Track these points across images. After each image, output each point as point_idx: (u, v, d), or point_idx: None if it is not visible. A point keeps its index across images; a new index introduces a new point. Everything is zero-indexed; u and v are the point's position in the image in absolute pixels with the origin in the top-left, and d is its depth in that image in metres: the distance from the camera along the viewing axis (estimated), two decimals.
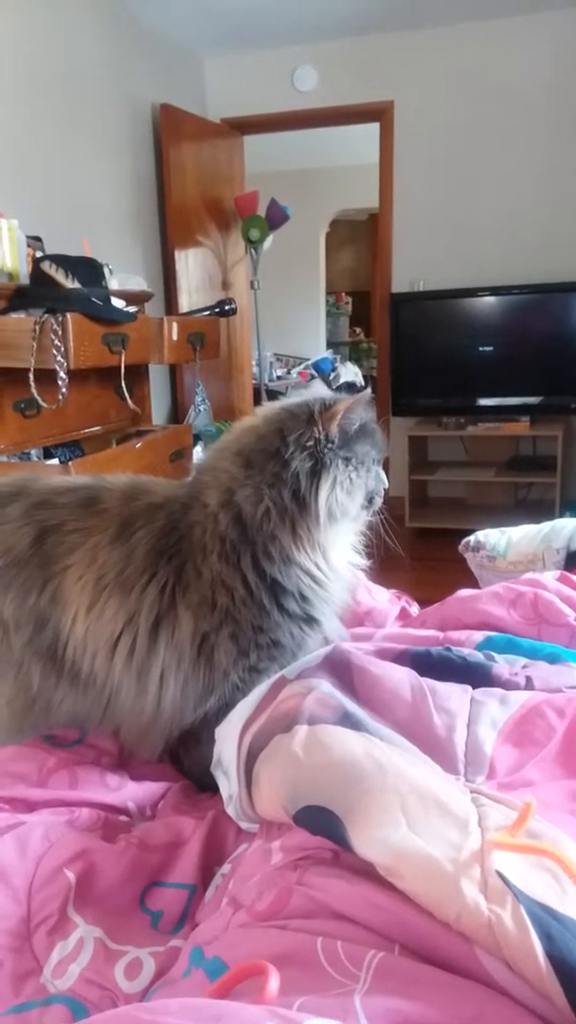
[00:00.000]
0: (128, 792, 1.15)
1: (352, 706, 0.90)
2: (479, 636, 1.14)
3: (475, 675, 1.01)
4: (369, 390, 1.18)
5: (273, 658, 1.15)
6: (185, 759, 1.24)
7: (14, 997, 0.79)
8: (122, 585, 1.13)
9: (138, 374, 3.13)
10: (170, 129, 4.28)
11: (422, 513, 4.62)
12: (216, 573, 1.11)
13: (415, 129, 4.57)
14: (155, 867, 0.96)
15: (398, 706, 0.92)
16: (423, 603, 1.58)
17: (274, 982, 0.58)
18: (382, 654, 1.03)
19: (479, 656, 1.06)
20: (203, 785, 1.16)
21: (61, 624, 1.15)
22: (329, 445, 1.08)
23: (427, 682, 0.96)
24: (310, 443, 1.08)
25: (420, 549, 4.27)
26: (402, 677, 0.96)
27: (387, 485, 1.11)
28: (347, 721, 0.86)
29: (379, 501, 1.11)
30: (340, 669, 0.98)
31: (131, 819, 1.12)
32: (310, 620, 1.14)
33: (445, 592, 1.39)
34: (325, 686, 0.92)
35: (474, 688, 0.98)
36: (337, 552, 1.14)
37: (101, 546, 1.15)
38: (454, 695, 0.95)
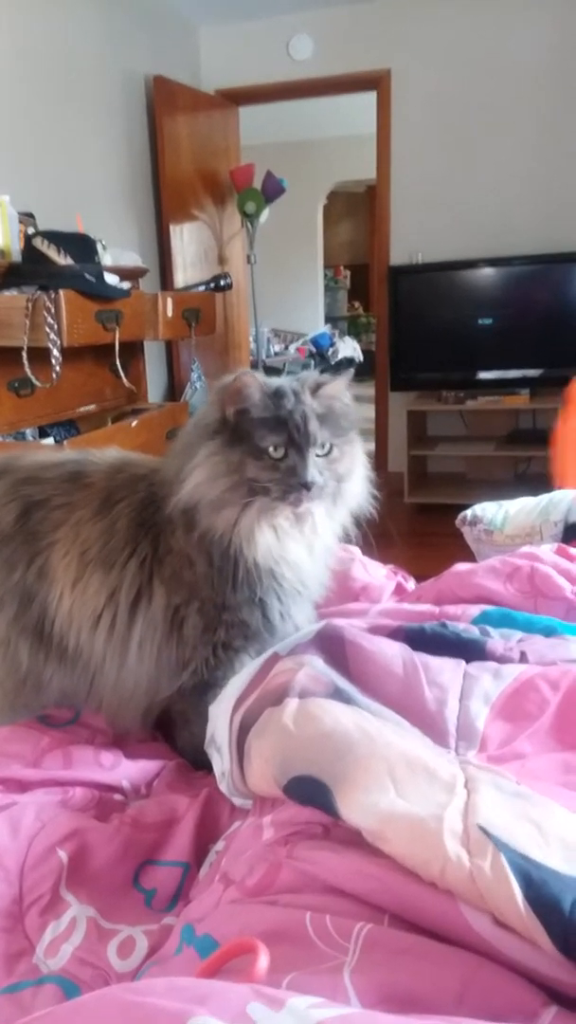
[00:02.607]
0: (122, 771, 1.15)
1: (343, 682, 0.89)
2: (475, 610, 1.13)
3: (469, 650, 1.00)
4: (350, 374, 1.11)
5: (246, 637, 1.14)
6: (178, 738, 1.24)
7: (6, 977, 0.79)
8: (105, 560, 1.13)
9: (133, 351, 3.10)
10: (164, 101, 4.22)
11: (421, 488, 4.60)
12: (181, 546, 1.10)
13: (412, 99, 4.50)
14: (149, 845, 0.96)
15: (390, 681, 0.92)
16: (421, 578, 1.57)
17: (264, 960, 0.58)
18: (376, 630, 1.03)
19: (474, 631, 1.05)
20: (197, 764, 1.16)
21: (48, 600, 1.15)
22: (217, 426, 1.05)
23: (420, 657, 0.95)
24: (207, 422, 1.06)
25: (419, 524, 4.26)
26: (394, 652, 0.95)
27: (308, 479, 1.01)
28: (338, 695, 0.86)
29: (282, 492, 1.03)
30: (332, 645, 0.97)
31: (125, 798, 1.11)
32: (262, 604, 1.11)
33: (443, 567, 1.38)
34: (317, 662, 0.92)
35: (468, 663, 0.97)
36: (266, 536, 1.07)
37: (85, 520, 1.14)
38: (446, 670, 0.94)
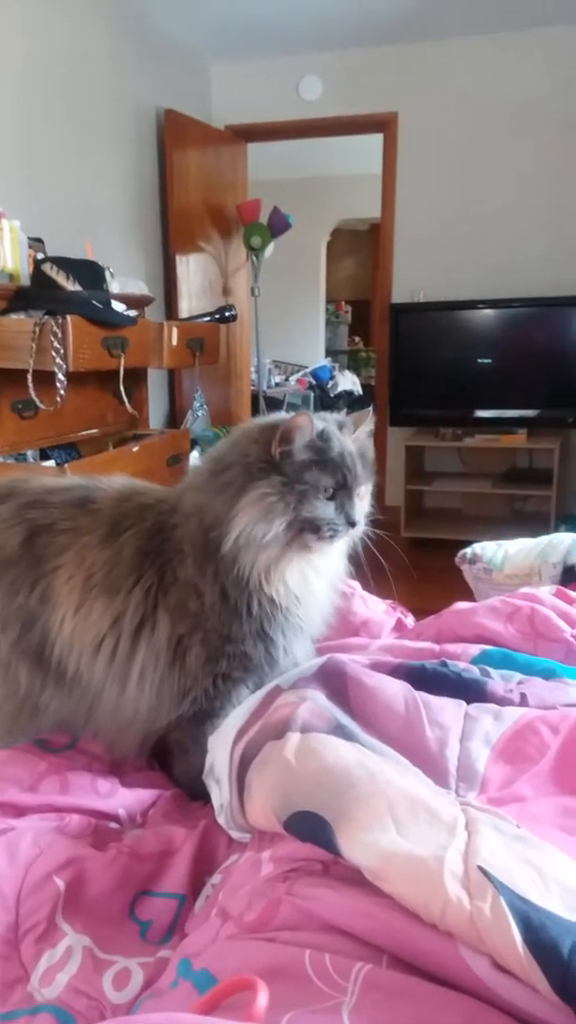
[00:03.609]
0: (119, 799, 1.14)
1: (345, 718, 0.90)
2: (475, 650, 1.14)
3: (470, 691, 1.01)
4: (370, 414, 1.13)
5: (246, 668, 1.15)
6: (175, 768, 1.24)
7: (1, 1005, 0.79)
8: (110, 586, 1.13)
9: (137, 378, 3.13)
10: (174, 134, 4.29)
11: (418, 523, 4.62)
12: (190, 577, 1.11)
13: (419, 141, 4.59)
14: (145, 876, 0.95)
15: (391, 719, 0.92)
16: (418, 612, 1.57)
17: (263, 997, 0.58)
18: (377, 667, 1.03)
19: (474, 671, 1.05)
20: (194, 794, 1.16)
21: (49, 624, 1.15)
22: (262, 464, 1.04)
23: (421, 696, 0.96)
24: (249, 459, 1.06)
25: (415, 559, 4.24)
26: (396, 690, 0.96)
27: (356, 519, 1.05)
28: (340, 731, 0.87)
29: (332, 531, 1.05)
30: (334, 680, 0.98)
31: (121, 826, 1.11)
32: (267, 638, 1.12)
33: (439, 602, 1.38)
34: (319, 697, 0.93)
35: (468, 703, 0.98)
36: (295, 574, 1.09)
37: (91, 546, 1.15)
38: (447, 709, 0.95)
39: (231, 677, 1.15)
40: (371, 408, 1.15)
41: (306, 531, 1.04)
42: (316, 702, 0.91)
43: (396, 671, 1.02)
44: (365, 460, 1.11)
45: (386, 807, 0.75)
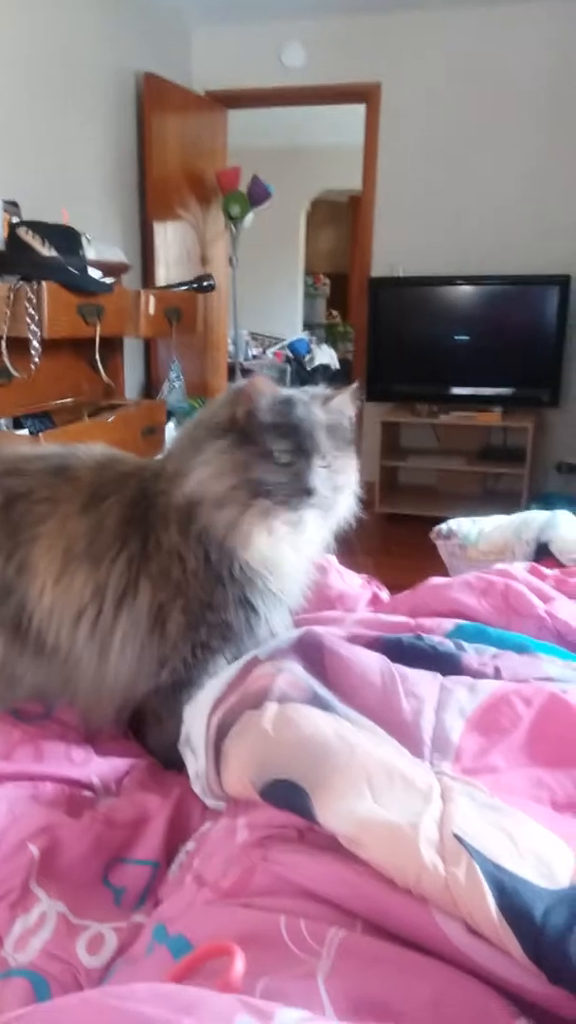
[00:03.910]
0: (93, 767, 1.15)
1: (322, 689, 0.91)
2: (449, 624, 1.15)
3: (445, 664, 1.02)
4: (352, 389, 1.13)
5: (225, 638, 1.15)
6: (148, 737, 1.24)
7: None
8: (92, 556, 1.12)
9: (112, 347, 3.09)
10: (154, 99, 4.21)
11: (392, 499, 4.63)
12: (173, 544, 1.11)
13: (402, 113, 4.55)
14: (119, 843, 0.96)
15: (367, 690, 0.93)
16: (391, 587, 1.58)
17: (239, 964, 0.58)
18: (354, 640, 1.04)
19: (449, 645, 1.07)
20: (168, 763, 1.16)
21: (28, 595, 1.14)
22: (225, 425, 1.07)
23: (397, 668, 0.97)
24: (216, 419, 1.08)
25: (389, 534, 4.30)
26: (372, 662, 0.97)
27: (310, 486, 1.04)
28: (317, 702, 0.88)
29: (285, 497, 1.04)
30: (311, 652, 0.98)
31: (95, 795, 1.11)
32: (248, 606, 1.13)
33: (413, 576, 1.39)
34: (296, 668, 0.93)
35: (444, 676, 0.99)
36: (266, 540, 1.09)
37: (71, 515, 1.14)
38: (423, 681, 0.96)
39: (210, 646, 1.15)
40: (355, 384, 1.14)
41: (260, 495, 1.05)
42: (294, 673, 0.91)
43: (372, 644, 1.03)
44: (336, 431, 1.10)
45: (363, 776, 0.76)
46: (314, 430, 1.06)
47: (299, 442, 1.05)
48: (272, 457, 1.04)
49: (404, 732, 0.88)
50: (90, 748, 1.18)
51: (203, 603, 1.12)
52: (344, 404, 1.13)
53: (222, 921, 0.70)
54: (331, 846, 0.74)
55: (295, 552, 1.12)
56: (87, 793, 1.10)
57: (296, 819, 0.77)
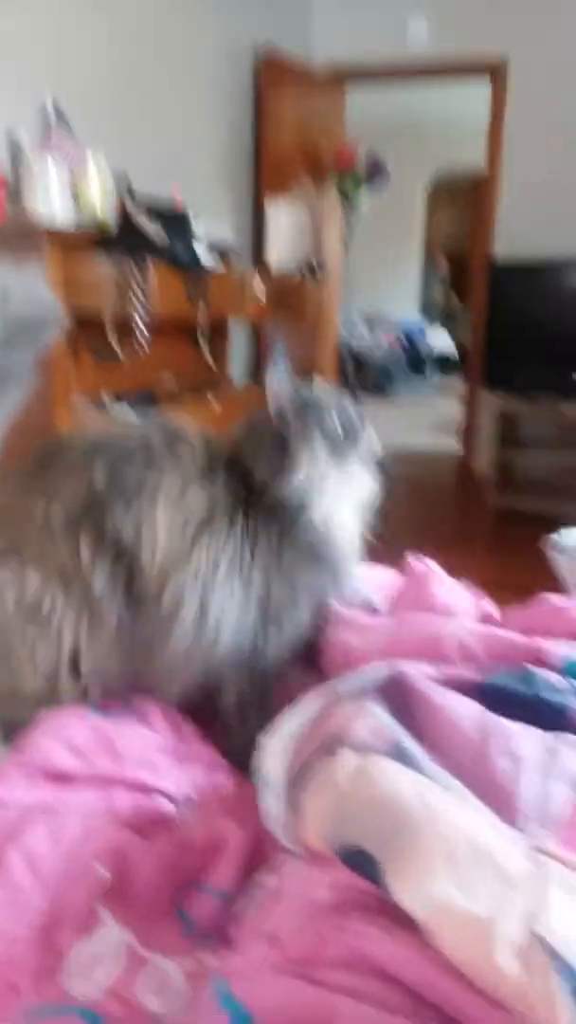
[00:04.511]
0: (172, 776, 1.09)
1: (407, 740, 0.81)
2: (569, 650, 1.02)
3: (552, 717, 0.89)
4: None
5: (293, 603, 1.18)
6: (229, 735, 1.19)
7: (33, 996, 0.74)
8: (207, 522, 1.13)
9: (218, 328, 3.04)
10: (271, 73, 4.13)
11: (508, 494, 4.44)
12: (283, 530, 1.16)
13: (530, 91, 4.31)
14: (192, 869, 0.90)
15: (460, 745, 0.83)
16: (499, 585, 1.45)
17: None
18: (449, 683, 0.93)
19: (561, 691, 0.94)
20: (244, 766, 1.10)
21: (143, 557, 1.13)
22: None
23: (495, 721, 0.85)
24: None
25: (503, 532, 4.11)
26: (468, 713, 0.86)
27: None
28: (400, 755, 0.78)
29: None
30: (399, 694, 0.89)
31: (174, 804, 1.06)
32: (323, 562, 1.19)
33: (522, 575, 1.28)
34: (379, 712, 0.84)
35: (548, 732, 0.87)
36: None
37: (189, 481, 1.14)
38: (524, 739, 0.84)
39: (279, 621, 1.18)
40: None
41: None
42: (377, 718, 0.82)
43: (471, 690, 0.92)
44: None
45: (444, 850, 0.66)
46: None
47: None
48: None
49: (498, 797, 0.77)
50: (167, 752, 1.13)
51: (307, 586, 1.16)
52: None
53: (285, 993, 0.62)
54: (411, 922, 0.64)
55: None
56: (163, 801, 1.05)
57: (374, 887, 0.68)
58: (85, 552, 1.13)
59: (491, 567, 1.84)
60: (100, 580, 1.13)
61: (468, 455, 4.86)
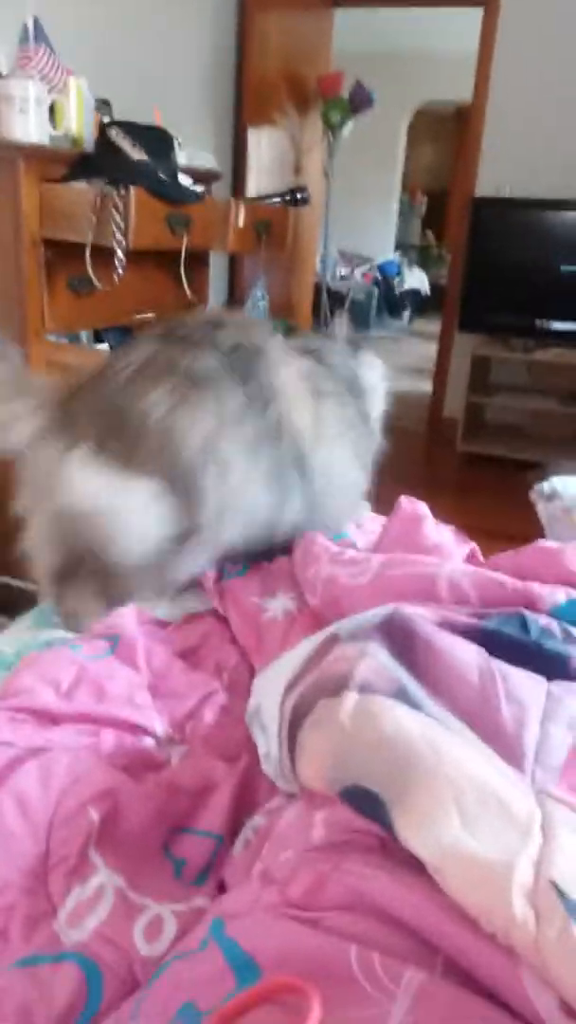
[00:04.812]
0: (156, 711, 1.09)
1: (411, 682, 0.80)
2: (561, 595, 1.02)
3: (551, 665, 0.89)
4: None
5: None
6: None
7: (24, 944, 0.74)
8: (322, 393, 1.34)
9: (198, 260, 2.95)
10: None
11: (476, 438, 4.44)
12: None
13: (523, 20, 4.15)
14: (182, 812, 0.89)
15: (463, 689, 0.82)
16: (471, 529, 1.46)
17: (317, 1011, 0.50)
18: (446, 624, 0.93)
19: (556, 638, 0.94)
20: None
21: (298, 433, 1.28)
22: None
23: (498, 665, 0.85)
24: None
25: (471, 476, 4.12)
26: (470, 657, 0.85)
27: None
28: (403, 696, 0.78)
29: None
30: (401, 636, 0.88)
31: (159, 743, 1.06)
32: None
33: (494, 520, 1.30)
34: (381, 653, 0.83)
35: (549, 680, 0.87)
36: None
37: (292, 360, 1.34)
38: (527, 685, 0.84)
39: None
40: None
41: None
42: (379, 659, 0.82)
43: (469, 633, 0.92)
44: None
45: (451, 792, 0.66)
46: None
47: None
48: None
49: (503, 742, 0.77)
50: (155, 690, 1.12)
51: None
52: None
53: (286, 939, 0.62)
54: (416, 864, 0.65)
55: None
56: (148, 740, 1.05)
57: (378, 826, 0.68)
58: (242, 398, 1.23)
59: (458, 511, 1.83)
60: (258, 425, 1.24)
61: (440, 398, 4.84)
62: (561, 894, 0.57)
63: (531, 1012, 0.54)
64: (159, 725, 1.08)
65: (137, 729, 1.06)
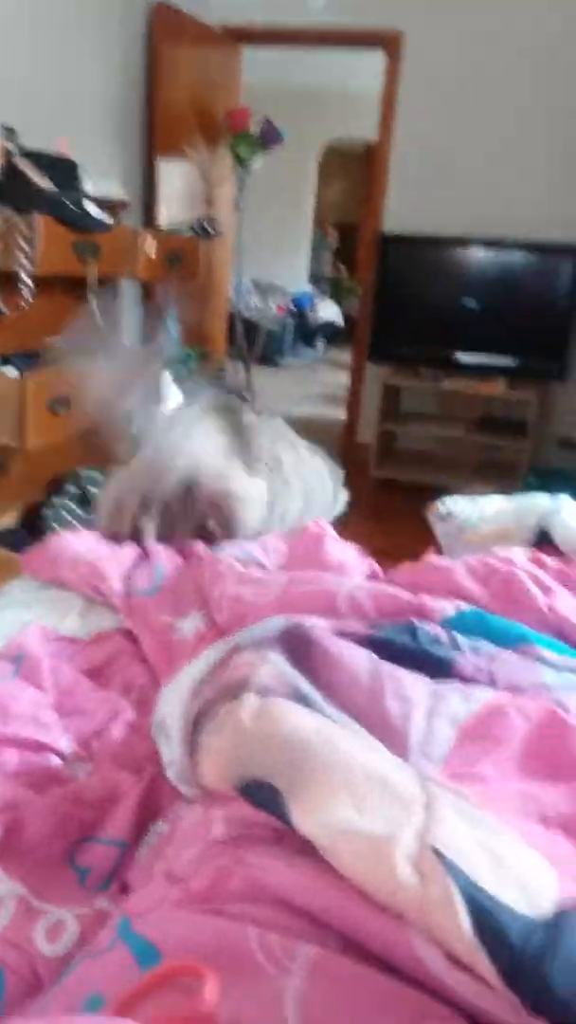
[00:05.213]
0: (62, 728, 1.09)
1: (306, 685, 0.86)
2: (451, 609, 1.09)
3: (437, 668, 0.96)
4: None
5: None
6: None
7: None
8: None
9: (110, 288, 2.97)
10: (166, 29, 4.01)
11: (388, 464, 4.56)
12: None
13: (423, 65, 4.35)
14: (86, 822, 0.91)
15: (354, 690, 0.88)
16: (380, 552, 1.53)
17: (212, 989, 0.53)
18: (343, 635, 0.98)
19: (444, 643, 1.00)
20: None
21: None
22: None
23: (386, 667, 0.91)
24: None
25: (384, 500, 4.23)
26: (360, 660, 0.91)
27: None
28: (299, 698, 0.82)
29: None
30: (297, 644, 0.93)
31: (63, 760, 1.06)
32: None
33: (402, 542, 1.36)
34: (279, 660, 0.88)
35: (435, 679, 0.93)
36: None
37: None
38: (413, 684, 0.90)
39: None
40: None
41: None
42: (276, 665, 0.86)
43: (362, 641, 0.97)
44: None
45: (343, 781, 0.71)
46: None
47: None
48: None
49: (391, 736, 0.83)
50: (60, 709, 1.13)
51: None
52: None
53: (189, 927, 0.64)
54: (310, 851, 0.69)
55: None
56: (53, 758, 1.05)
57: (275, 820, 0.72)
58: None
59: (370, 533, 1.91)
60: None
61: (352, 425, 4.96)
62: (440, 857, 0.62)
63: (422, 972, 0.59)
64: (65, 742, 1.09)
65: (42, 747, 1.06)
